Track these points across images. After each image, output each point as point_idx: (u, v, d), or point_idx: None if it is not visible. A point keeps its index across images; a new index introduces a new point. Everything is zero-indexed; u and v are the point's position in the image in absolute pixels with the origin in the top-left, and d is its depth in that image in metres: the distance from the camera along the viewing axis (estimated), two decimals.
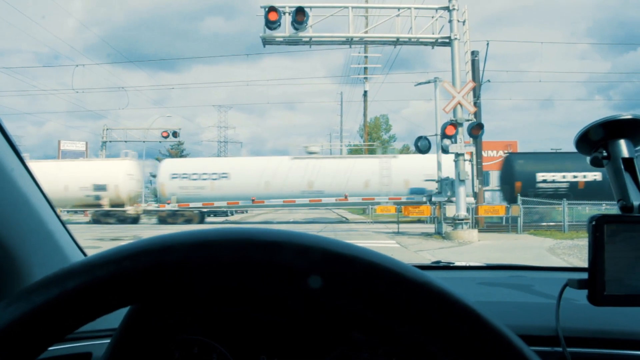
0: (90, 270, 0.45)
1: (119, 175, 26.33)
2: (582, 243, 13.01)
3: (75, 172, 26.28)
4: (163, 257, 0.45)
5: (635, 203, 0.79)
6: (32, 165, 1.03)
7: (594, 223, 0.75)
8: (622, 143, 0.84)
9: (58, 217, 1.11)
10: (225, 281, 0.46)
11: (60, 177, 25.19)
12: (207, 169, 26.01)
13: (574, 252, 11.08)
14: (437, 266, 1.75)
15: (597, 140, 0.86)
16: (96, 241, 14.38)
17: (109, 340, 0.71)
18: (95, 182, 25.86)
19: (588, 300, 0.76)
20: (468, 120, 15.04)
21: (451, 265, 1.73)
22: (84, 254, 1.25)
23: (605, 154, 0.85)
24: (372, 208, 27.58)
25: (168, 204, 25.38)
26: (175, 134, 34.51)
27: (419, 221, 23.36)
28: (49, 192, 1.07)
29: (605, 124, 0.83)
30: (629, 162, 0.83)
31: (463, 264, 1.74)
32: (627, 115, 0.82)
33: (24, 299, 0.44)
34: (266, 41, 14.86)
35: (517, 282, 1.43)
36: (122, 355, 0.69)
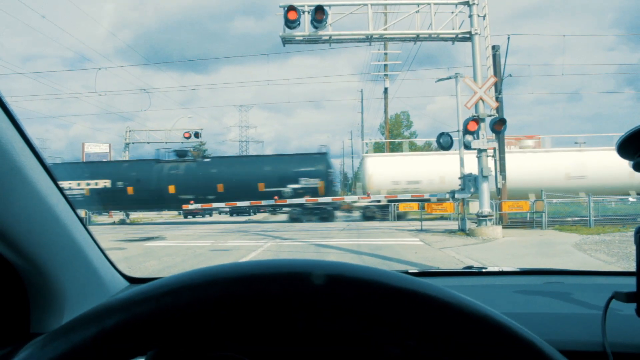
0: (129, 307, 0.43)
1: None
2: (608, 238, 12.78)
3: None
4: (205, 292, 0.43)
5: None
6: None
7: None
8: None
9: (84, 226, 1.10)
10: (272, 317, 0.44)
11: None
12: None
13: (600, 248, 10.88)
14: (469, 272, 1.70)
15: None
16: (122, 242, 14.61)
17: None
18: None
19: (637, 315, 0.73)
20: (490, 116, 14.87)
21: (483, 270, 1.68)
22: (112, 265, 1.26)
23: None
24: (395, 205, 27.38)
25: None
26: (197, 135, 34.79)
27: (442, 218, 23.15)
28: None
29: None
30: None
31: (496, 269, 1.68)
32: None
33: (62, 337, 0.43)
34: (286, 40, 14.90)
35: (555, 290, 1.38)
36: None
